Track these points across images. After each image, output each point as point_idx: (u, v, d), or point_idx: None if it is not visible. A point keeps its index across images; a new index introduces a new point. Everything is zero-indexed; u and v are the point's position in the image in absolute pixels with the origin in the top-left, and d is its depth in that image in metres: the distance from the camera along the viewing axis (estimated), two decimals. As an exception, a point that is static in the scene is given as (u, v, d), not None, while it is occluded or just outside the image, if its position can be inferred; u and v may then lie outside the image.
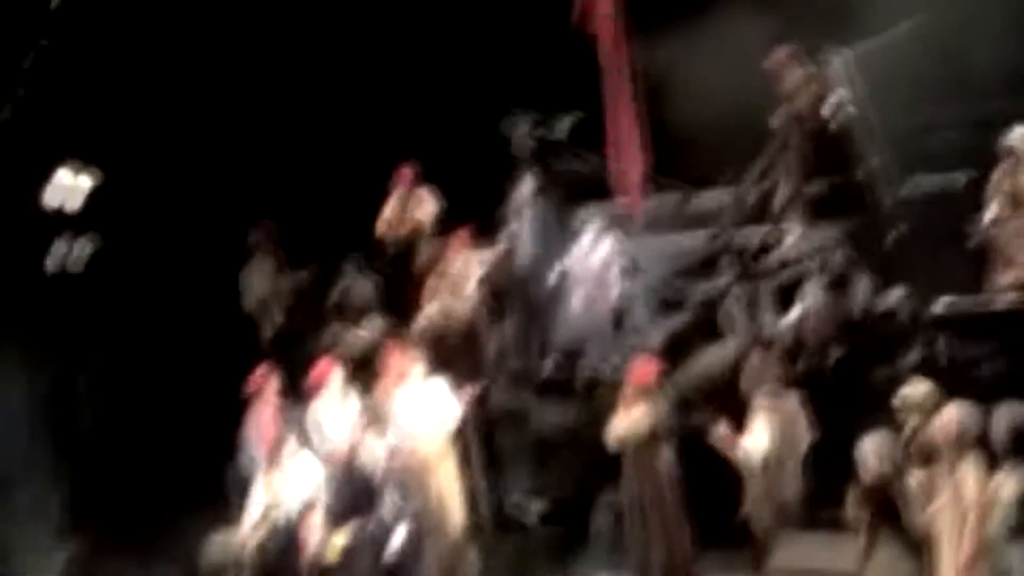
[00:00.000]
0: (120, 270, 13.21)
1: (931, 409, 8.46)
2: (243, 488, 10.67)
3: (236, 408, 11.25)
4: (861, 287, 10.58)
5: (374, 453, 10.70)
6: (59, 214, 12.76)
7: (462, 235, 12.02)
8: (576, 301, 11.80)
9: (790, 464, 9.48)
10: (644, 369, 10.14)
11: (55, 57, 12.66)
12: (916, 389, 8.66)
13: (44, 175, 12.72)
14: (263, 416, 11.11)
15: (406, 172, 12.56)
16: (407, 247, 12.66)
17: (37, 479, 12.55)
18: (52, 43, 12.59)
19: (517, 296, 12.28)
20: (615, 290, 11.72)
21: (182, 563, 10.73)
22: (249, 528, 10.32)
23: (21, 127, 12.50)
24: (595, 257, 11.70)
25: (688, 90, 11.59)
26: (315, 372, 11.09)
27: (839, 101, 11.16)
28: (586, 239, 11.74)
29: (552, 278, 11.98)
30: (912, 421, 8.58)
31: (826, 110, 11.21)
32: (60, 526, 12.50)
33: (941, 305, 10.26)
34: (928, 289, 10.34)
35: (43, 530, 12.38)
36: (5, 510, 12.27)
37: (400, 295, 12.51)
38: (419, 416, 10.58)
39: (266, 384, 11.21)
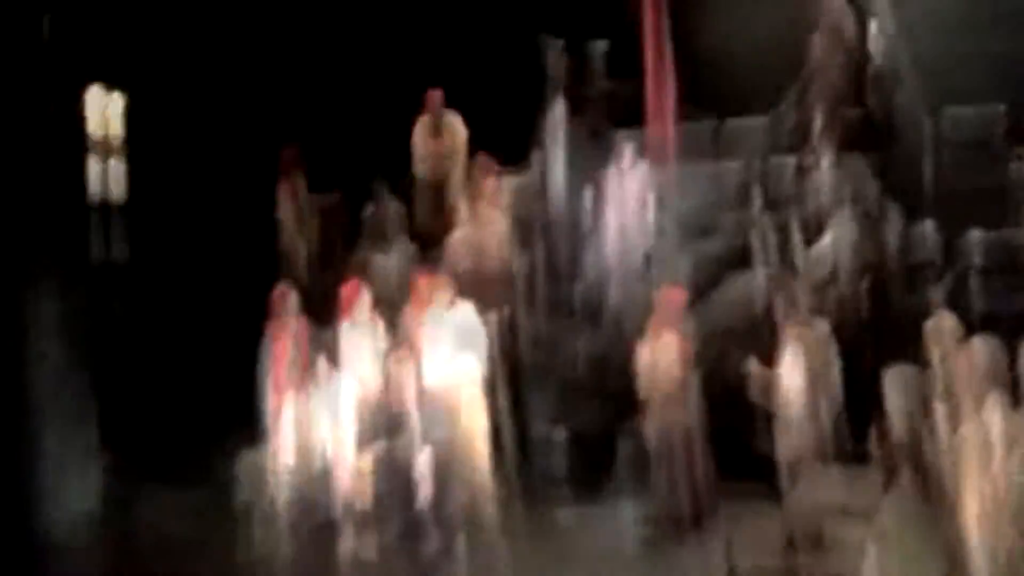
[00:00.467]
0: (152, 193, 13.24)
1: (958, 343, 8.45)
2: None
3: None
4: (893, 218, 10.49)
5: (401, 377, 10.76)
6: (96, 137, 12.77)
7: (488, 161, 11.96)
8: (609, 227, 11.78)
9: (821, 394, 9.47)
10: (673, 297, 10.12)
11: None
12: (943, 322, 8.62)
13: (77, 95, 12.72)
14: (280, 336, 11.19)
15: (434, 96, 12.48)
16: (438, 170, 12.62)
17: (72, 397, 12.70)
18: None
19: (547, 220, 12.25)
20: (649, 216, 11.68)
21: (215, 484, 10.90)
22: (280, 449, 10.44)
23: (53, 47, 12.49)
24: (630, 183, 11.65)
25: (722, 15, 11.44)
26: (344, 294, 11.12)
27: (876, 30, 11.01)
28: (622, 164, 11.68)
29: (584, 202, 11.94)
30: (938, 354, 8.56)
31: (863, 39, 11.07)
32: (95, 445, 12.66)
33: (973, 238, 10.18)
34: (960, 222, 10.26)
35: (79, 448, 12.54)
36: (40, 429, 12.43)
37: (430, 219, 12.50)
38: (447, 341, 10.62)
39: (283, 304, 11.26)
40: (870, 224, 10.43)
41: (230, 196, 12.94)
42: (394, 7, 13.36)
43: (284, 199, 12.65)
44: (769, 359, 9.47)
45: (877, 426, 8.00)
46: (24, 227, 12.24)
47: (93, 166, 12.85)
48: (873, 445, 7.99)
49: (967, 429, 7.89)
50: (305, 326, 11.13)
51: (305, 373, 10.49)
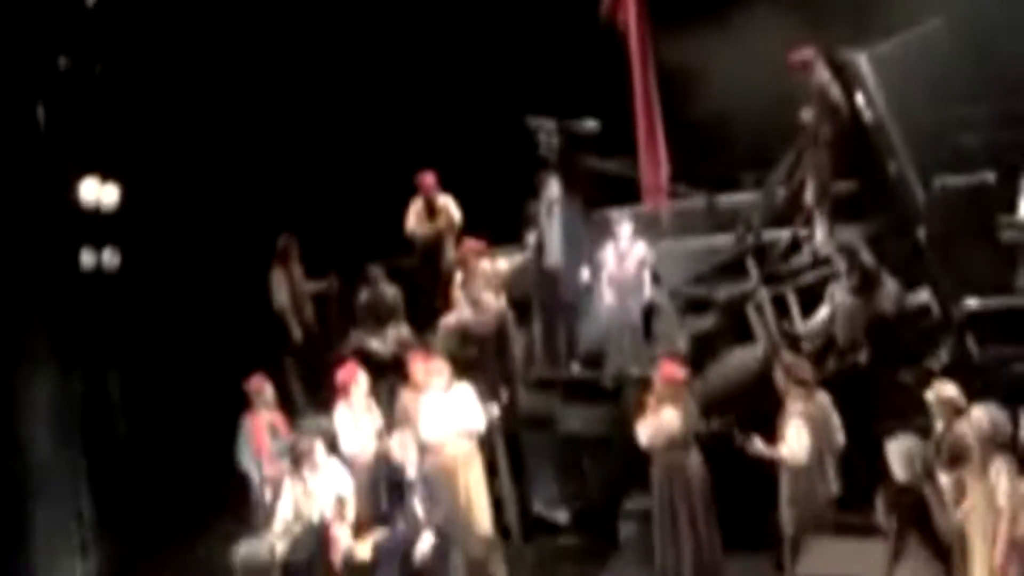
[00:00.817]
0: (150, 276, 13.26)
1: (960, 410, 8.41)
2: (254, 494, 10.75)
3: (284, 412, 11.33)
4: (889, 287, 10.47)
5: (401, 459, 10.68)
6: (91, 217, 12.82)
7: (477, 243, 11.98)
8: (606, 303, 11.77)
9: (826, 466, 9.39)
10: (673, 370, 10.09)
11: (82, 71, 12.75)
12: (945, 390, 8.60)
13: (74, 181, 12.81)
14: (258, 423, 11.16)
15: (428, 178, 12.53)
16: (432, 252, 12.63)
17: (66, 482, 12.61)
18: (78, 58, 12.69)
19: (544, 298, 12.24)
20: (646, 292, 11.68)
21: (209, 569, 10.77)
22: (278, 534, 10.33)
23: (52, 135, 12.59)
24: (630, 260, 11.67)
25: (712, 91, 11.51)
26: (340, 376, 11.09)
27: (865, 100, 11.07)
28: (621, 242, 11.70)
29: (581, 280, 11.93)
30: (941, 422, 8.52)
31: (852, 109, 11.13)
32: (89, 529, 12.55)
33: (969, 305, 10.16)
34: (956, 289, 10.25)
35: (72, 534, 12.43)
36: (34, 514, 12.33)
37: (425, 300, 12.49)
38: (445, 422, 10.56)
39: (259, 394, 11.24)
40: (867, 293, 10.41)
41: (224, 283, 12.94)
42: (386, 91, 13.47)
43: (279, 284, 12.64)
44: (772, 432, 9.40)
45: (883, 497, 7.93)
46: (19, 314, 12.27)
47: (87, 257, 12.87)
48: (880, 516, 7.92)
49: (973, 497, 7.83)
50: (281, 417, 11.14)
51: (298, 461, 10.41)
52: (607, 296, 11.78)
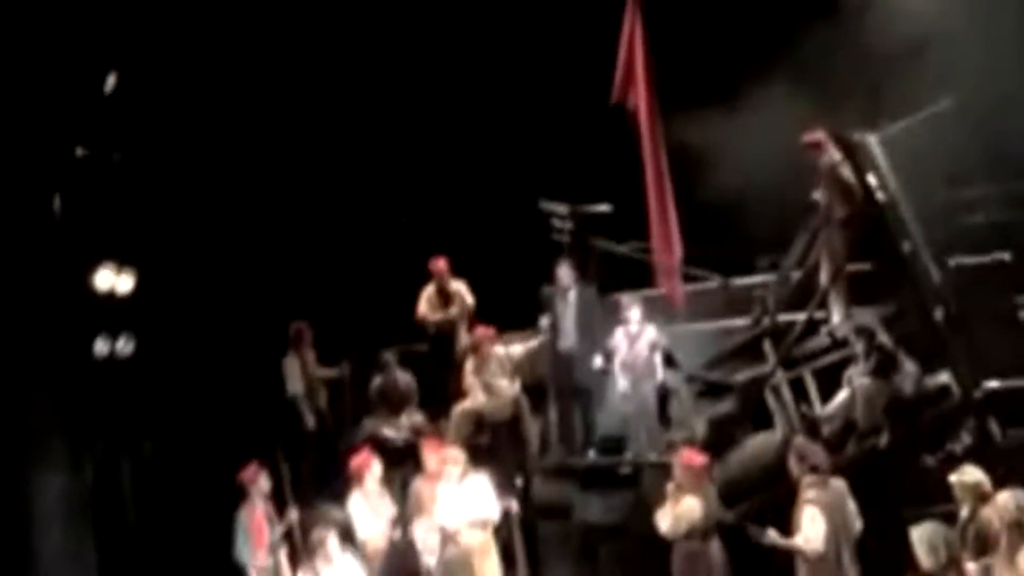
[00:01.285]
0: (164, 363, 13.25)
1: (985, 495, 8.27)
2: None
3: (279, 503, 11.20)
4: (908, 369, 10.38)
5: (416, 548, 10.54)
6: (106, 305, 12.85)
7: (487, 330, 11.92)
8: (619, 388, 11.66)
9: (844, 553, 9.22)
10: (694, 457, 9.98)
11: (99, 160, 12.85)
12: (969, 475, 8.46)
13: (90, 269, 12.86)
14: (257, 515, 11.05)
15: (440, 263, 12.50)
16: (445, 338, 12.57)
17: (79, 571, 12.51)
18: (94, 147, 12.81)
19: (559, 383, 12.14)
20: (659, 377, 11.58)
21: None
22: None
23: (68, 223, 12.67)
24: (641, 344, 11.57)
25: (724, 175, 11.51)
26: (354, 464, 11.00)
27: (877, 180, 11.06)
28: (631, 326, 11.62)
29: (595, 365, 11.84)
30: (966, 508, 8.37)
31: (864, 189, 11.12)
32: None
33: (990, 386, 10.05)
34: (976, 370, 10.15)
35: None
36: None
37: (439, 387, 12.41)
38: (460, 512, 10.43)
39: (255, 482, 11.14)
40: (885, 376, 10.31)
41: (237, 371, 12.91)
42: (398, 177, 13.51)
43: (293, 371, 12.58)
44: (789, 515, 9.25)
45: (910, 585, 7.79)
46: (32, 401, 12.27)
47: (101, 344, 12.88)
48: (906, 605, 7.77)
49: (1002, 585, 7.69)
50: (273, 509, 11.03)
51: (309, 555, 10.28)
52: (620, 381, 11.67)
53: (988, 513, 8.09)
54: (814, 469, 9.31)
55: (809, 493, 9.22)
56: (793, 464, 9.43)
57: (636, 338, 11.59)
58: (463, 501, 10.44)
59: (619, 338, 11.67)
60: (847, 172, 11.19)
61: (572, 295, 12.08)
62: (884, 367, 10.36)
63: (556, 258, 12.12)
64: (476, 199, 13.16)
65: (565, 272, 12.08)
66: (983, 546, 7.95)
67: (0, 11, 11.99)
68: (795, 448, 9.58)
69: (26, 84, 12.15)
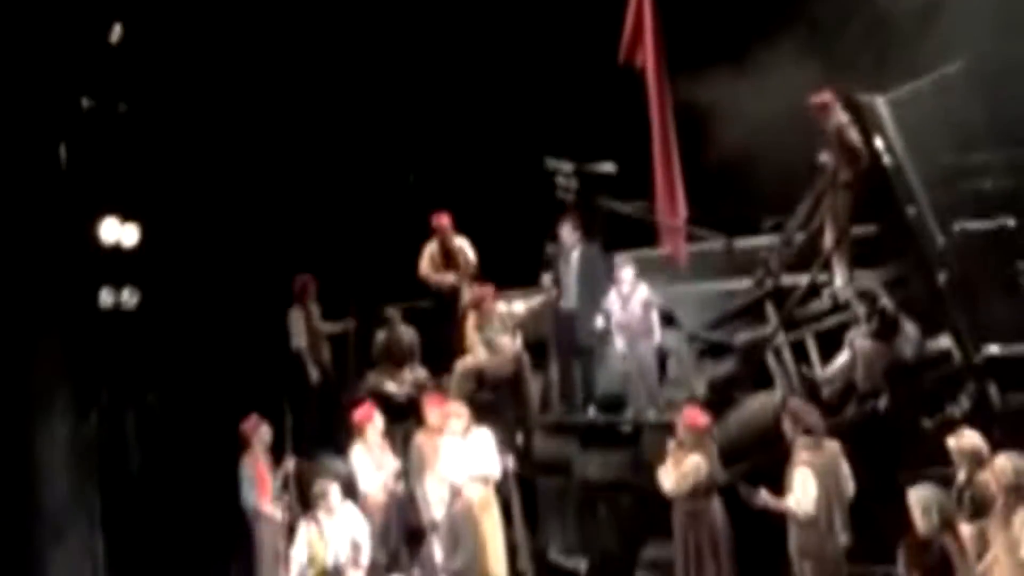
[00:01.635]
0: (168, 315, 13.30)
1: (982, 459, 8.31)
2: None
3: (279, 454, 11.26)
4: (909, 333, 10.38)
5: (416, 503, 10.62)
6: (111, 256, 12.89)
7: (488, 287, 11.93)
8: (622, 347, 11.68)
9: (835, 517, 9.27)
10: (697, 417, 10.02)
11: (105, 111, 12.84)
12: (966, 439, 8.49)
13: (95, 221, 12.88)
14: (257, 464, 11.13)
15: (443, 220, 12.49)
16: (448, 295, 12.59)
17: (81, 521, 12.60)
18: (100, 98, 12.78)
19: (560, 341, 12.17)
20: (656, 336, 11.59)
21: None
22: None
23: (73, 175, 12.67)
24: (633, 303, 11.58)
25: (730, 135, 11.47)
26: (356, 416, 11.07)
27: (884, 144, 11.02)
28: (623, 286, 11.62)
29: (596, 323, 11.87)
30: (963, 472, 8.41)
31: (871, 152, 11.08)
32: (103, 570, 12.53)
33: (991, 351, 10.07)
34: (977, 335, 10.16)
35: (88, 571, 12.42)
36: (49, 553, 12.32)
37: (442, 343, 12.45)
38: (464, 466, 10.49)
39: (256, 433, 11.22)
40: (886, 339, 10.32)
41: (242, 323, 12.95)
42: (404, 134, 13.49)
43: (297, 325, 12.61)
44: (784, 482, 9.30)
45: (904, 551, 7.83)
46: (37, 352, 12.32)
47: (106, 296, 12.92)
48: (902, 568, 7.81)
49: (996, 548, 7.73)
50: (269, 457, 11.08)
51: (314, 504, 10.36)
52: (618, 341, 11.68)
53: (985, 477, 8.12)
54: (808, 431, 9.36)
55: (802, 455, 9.28)
56: (787, 426, 9.49)
57: (628, 298, 11.57)
58: (467, 455, 10.51)
59: (612, 298, 11.67)
60: (854, 134, 11.12)
61: (575, 254, 12.09)
62: (885, 330, 10.34)
63: (560, 216, 12.13)
64: (482, 156, 13.14)
65: (569, 230, 12.09)
66: (979, 509, 7.99)
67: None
68: (789, 410, 9.63)
69: (32, 34, 12.12)
